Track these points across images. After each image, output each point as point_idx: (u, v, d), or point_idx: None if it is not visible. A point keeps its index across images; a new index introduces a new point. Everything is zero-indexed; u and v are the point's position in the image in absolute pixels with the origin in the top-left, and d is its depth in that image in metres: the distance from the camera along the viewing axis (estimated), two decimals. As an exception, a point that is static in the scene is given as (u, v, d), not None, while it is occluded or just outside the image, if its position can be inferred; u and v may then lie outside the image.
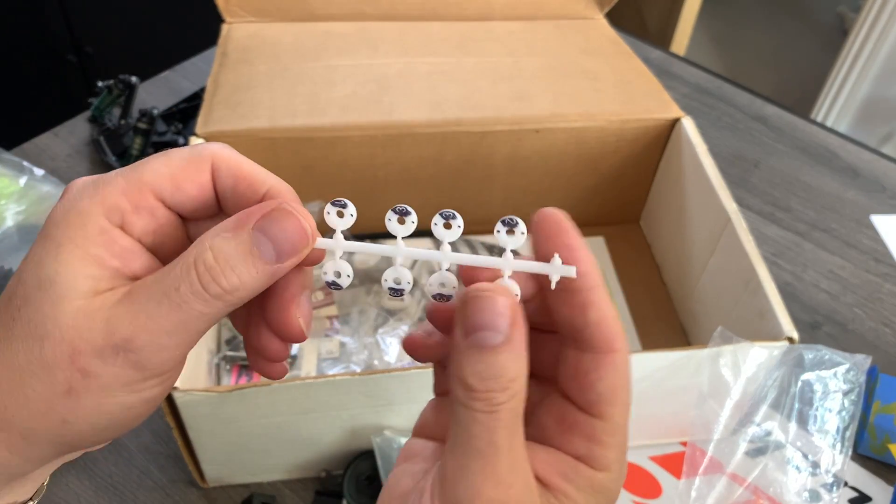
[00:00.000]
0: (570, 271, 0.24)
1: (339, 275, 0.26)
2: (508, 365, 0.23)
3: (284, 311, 0.27)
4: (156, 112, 0.75)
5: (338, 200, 0.26)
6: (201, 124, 0.59)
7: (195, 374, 0.52)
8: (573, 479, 0.24)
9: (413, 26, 0.73)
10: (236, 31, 0.70)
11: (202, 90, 0.78)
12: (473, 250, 0.69)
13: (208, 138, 0.58)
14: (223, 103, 0.61)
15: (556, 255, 0.25)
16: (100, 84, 0.80)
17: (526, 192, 0.68)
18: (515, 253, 0.25)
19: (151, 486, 0.53)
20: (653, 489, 0.55)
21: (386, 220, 0.26)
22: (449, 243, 0.26)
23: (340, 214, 0.26)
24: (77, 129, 0.80)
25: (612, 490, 0.25)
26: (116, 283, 0.25)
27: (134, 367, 0.24)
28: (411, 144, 0.62)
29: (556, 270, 0.25)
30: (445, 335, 0.27)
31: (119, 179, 0.25)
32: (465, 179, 0.66)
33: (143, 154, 0.74)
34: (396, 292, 0.26)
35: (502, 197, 0.68)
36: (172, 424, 0.46)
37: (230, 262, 0.24)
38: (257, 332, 0.28)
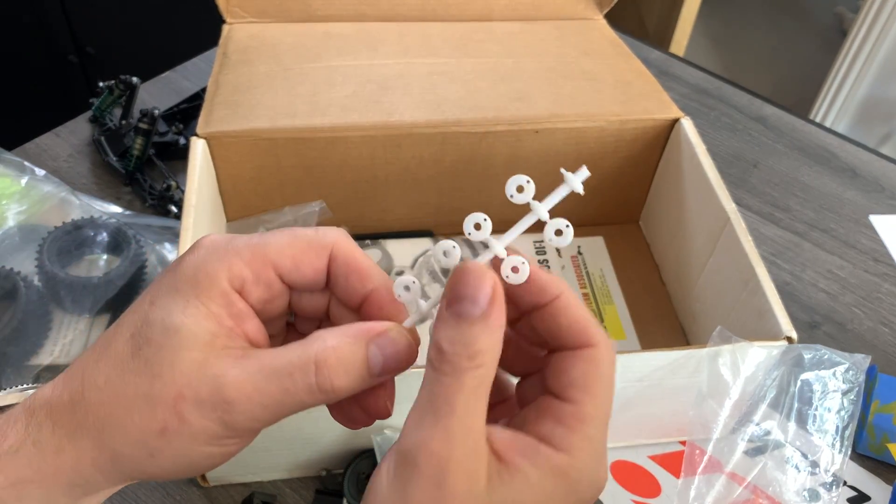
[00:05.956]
0: (582, 176, 0.27)
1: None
2: (480, 337, 0.25)
3: (374, 395, 0.30)
4: (157, 112, 0.75)
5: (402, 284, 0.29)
6: (202, 125, 0.59)
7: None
8: (530, 456, 0.25)
9: (413, 27, 0.73)
10: (237, 31, 0.71)
11: (203, 90, 0.78)
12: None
13: (209, 139, 0.59)
14: (224, 104, 0.61)
15: (564, 171, 0.28)
16: (101, 84, 0.80)
17: (526, 193, 0.68)
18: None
19: (152, 485, 0.53)
20: (652, 488, 0.55)
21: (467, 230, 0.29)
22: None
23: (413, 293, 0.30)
24: (78, 130, 0.80)
25: (572, 477, 0.25)
26: (230, 342, 0.27)
27: (224, 425, 0.26)
28: (411, 144, 0.63)
29: (571, 182, 0.28)
30: None
31: (246, 251, 0.28)
32: (465, 179, 0.66)
33: (143, 154, 0.74)
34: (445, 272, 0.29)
35: (502, 197, 0.68)
36: (174, 423, 0.46)
37: (346, 366, 0.27)
38: (349, 406, 0.30)
